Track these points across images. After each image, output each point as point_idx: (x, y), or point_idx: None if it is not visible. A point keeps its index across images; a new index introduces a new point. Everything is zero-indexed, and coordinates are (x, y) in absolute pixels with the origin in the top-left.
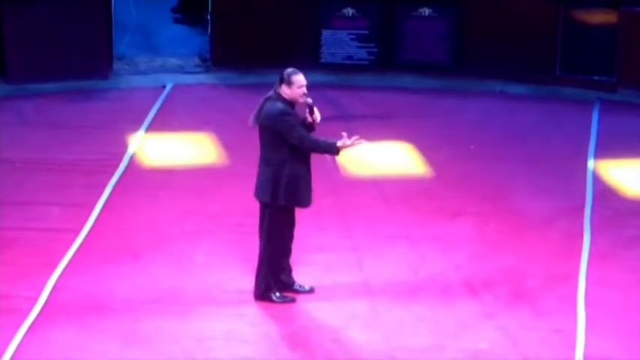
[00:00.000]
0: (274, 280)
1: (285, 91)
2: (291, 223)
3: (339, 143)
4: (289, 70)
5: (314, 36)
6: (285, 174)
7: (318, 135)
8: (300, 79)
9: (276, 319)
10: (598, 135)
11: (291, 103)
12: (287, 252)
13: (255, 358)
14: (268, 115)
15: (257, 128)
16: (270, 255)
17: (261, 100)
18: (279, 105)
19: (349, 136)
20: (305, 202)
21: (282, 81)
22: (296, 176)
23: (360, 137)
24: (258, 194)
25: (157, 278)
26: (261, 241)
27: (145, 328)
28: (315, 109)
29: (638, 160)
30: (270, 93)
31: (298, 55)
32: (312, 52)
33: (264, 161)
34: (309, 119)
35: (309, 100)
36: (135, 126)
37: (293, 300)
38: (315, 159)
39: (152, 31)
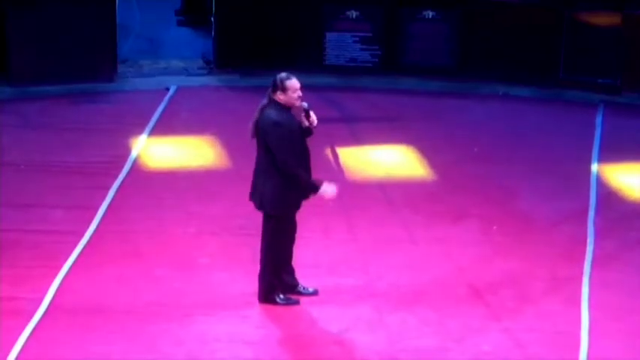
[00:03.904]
0: (278, 280)
1: (280, 97)
2: (290, 227)
3: (323, 186)
4: (282, 75)
5: (318, 38)
6: (270, 184)
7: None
8: (294, 84)
9: (279, 322)
10: (602, 138)
11: (287, 108)
12: (289, 254)
13: None
14: (265, 124)
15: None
16: (270, 258)
17: (258, 108)
18: (274, 114)
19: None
20: (291, 209)
21: (275, 88)
22: (279, 185)
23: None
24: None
25: (160, 280)
26: (260, 245)
27: (148, 330)
28: (312, 113)
29: None
30: (265, 101)
31: (302, 58)
32: (316, 55)
33: (261, 169)
34: (306, 123)
35: (305, 104)
36: (138, 128)
37: (297, 302)
38: (318, 159)
39: (156, 33)
